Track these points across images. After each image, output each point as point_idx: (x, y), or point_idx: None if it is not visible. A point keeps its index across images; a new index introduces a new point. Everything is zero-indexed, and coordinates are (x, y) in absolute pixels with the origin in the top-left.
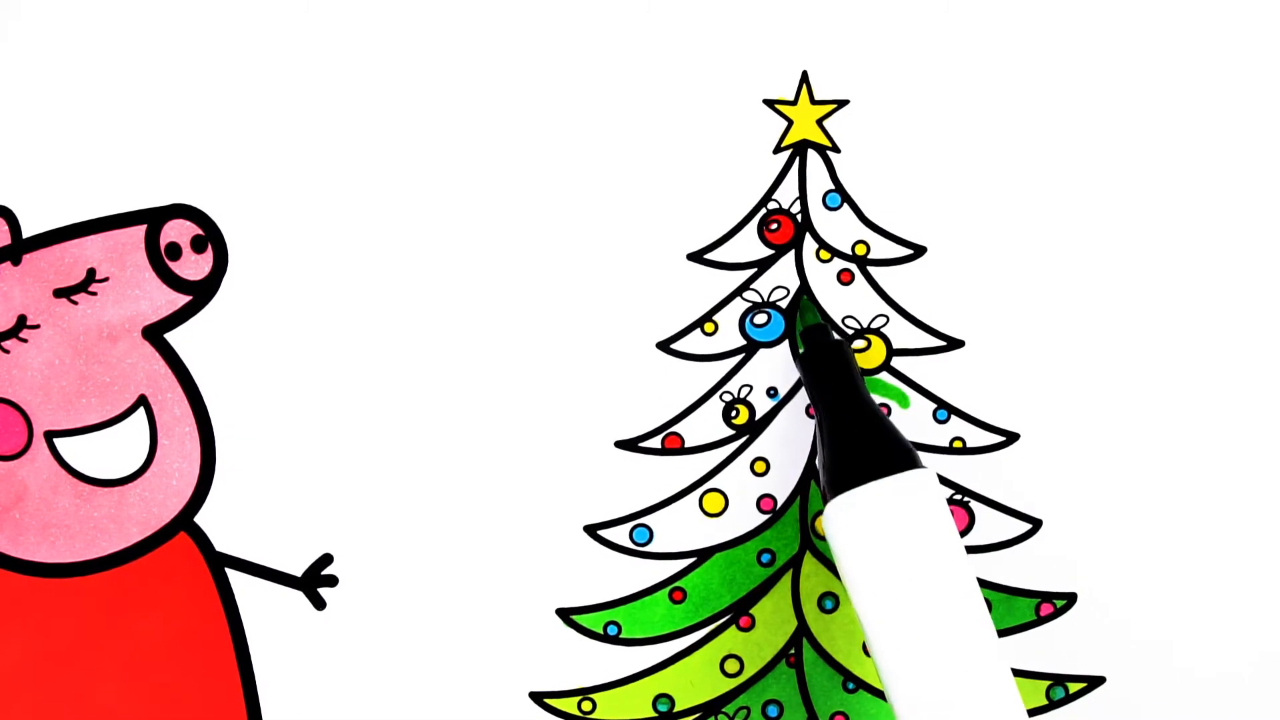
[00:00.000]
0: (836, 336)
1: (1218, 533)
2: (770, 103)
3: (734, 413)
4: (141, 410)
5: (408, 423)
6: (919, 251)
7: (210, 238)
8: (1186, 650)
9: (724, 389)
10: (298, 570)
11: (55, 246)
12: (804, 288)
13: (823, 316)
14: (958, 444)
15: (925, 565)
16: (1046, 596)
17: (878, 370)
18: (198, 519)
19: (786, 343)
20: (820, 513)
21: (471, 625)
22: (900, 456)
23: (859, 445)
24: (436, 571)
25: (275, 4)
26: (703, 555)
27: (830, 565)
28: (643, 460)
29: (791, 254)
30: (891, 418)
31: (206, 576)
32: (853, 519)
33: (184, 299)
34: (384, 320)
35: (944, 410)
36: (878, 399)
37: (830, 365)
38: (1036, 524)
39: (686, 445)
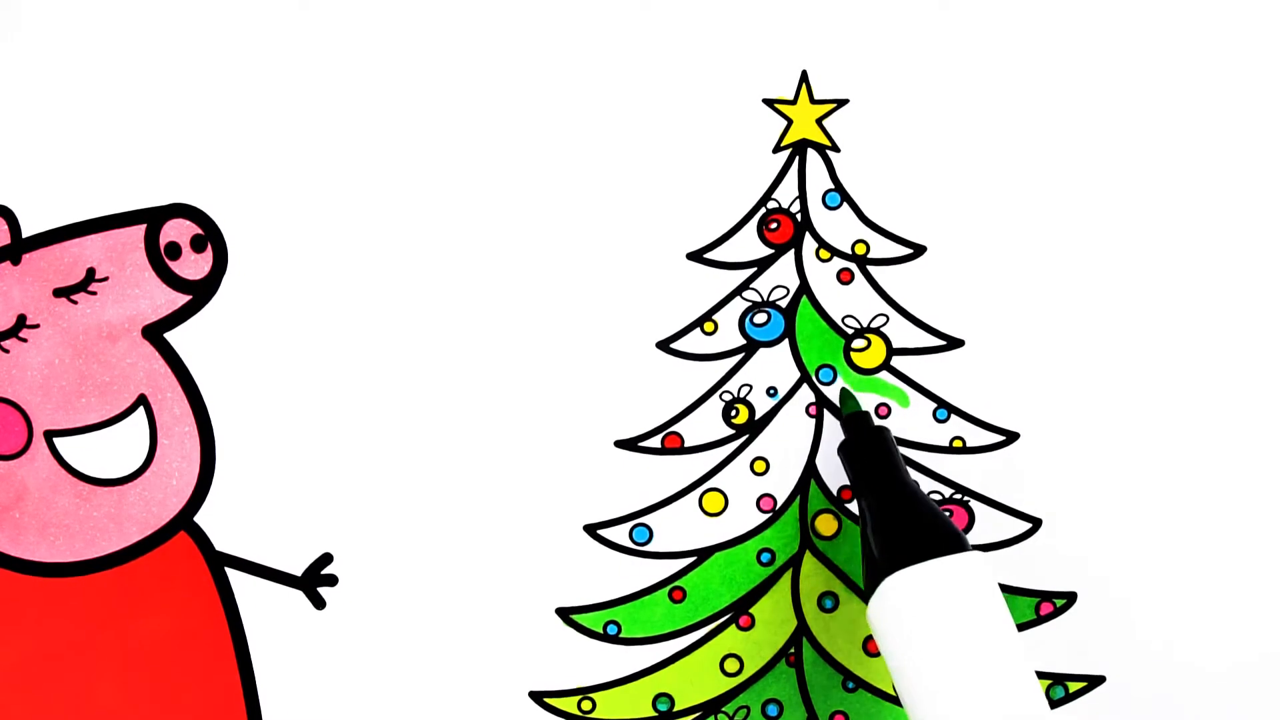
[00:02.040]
0: (877, 422)
1: (1218, 532)
2: (770, 102)
3: (734, 412)
4: (141, 410)
5: (407, 422)
6: (919, 251)
7: (210, 237)
8: (1186, 649)
9: (724, 388)
10: (298, 570)
11: (55, 246)
12: (804, 288)
13: (850, 386)
14: (958, 443)
15: (977, 647)
16: (1046, 596)
17: (878, 370)
18: (198, 519)
19: (786, 342)
20: (818, 514)
21: (471, 625)
22: (950, 540)
23: (907, 529)
24: (436, 571)
25: (274, 4)
26: (703, 555)
27: (831, 565)
28: (643, 460)
29: (791, 253)
30: (891, 417)
31: (206, 576)
32: (904, 600)
33: (184, 298)
34: (384, 320)
35: (944, 410)
36: (877, 398)
37: (873, 451)
38: (1036, 523)
39: (686, 445)
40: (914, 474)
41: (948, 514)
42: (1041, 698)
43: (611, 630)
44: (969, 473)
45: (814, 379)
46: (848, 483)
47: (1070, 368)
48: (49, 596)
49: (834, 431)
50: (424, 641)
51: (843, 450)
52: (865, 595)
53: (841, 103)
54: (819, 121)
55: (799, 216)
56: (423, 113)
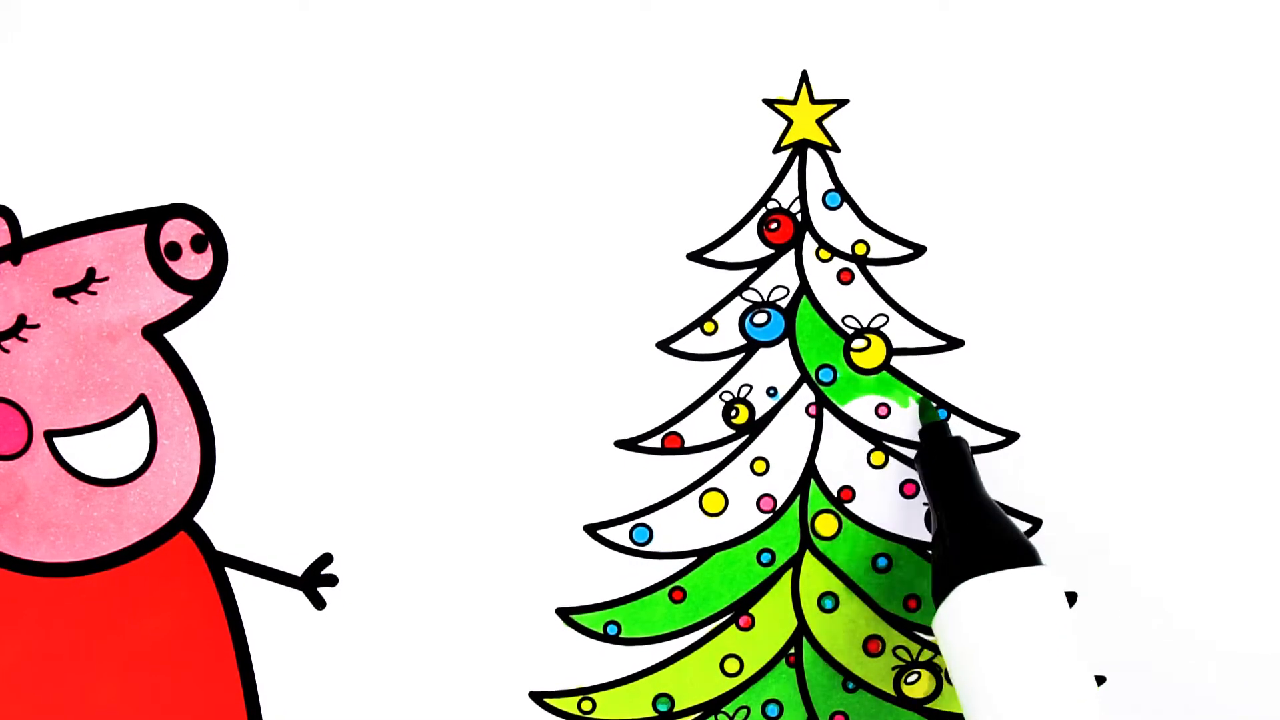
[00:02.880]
0: (953, 434)
1: (1218, 532)
2: (770, 102)
3: (734, 412)
4: (141, 410)
5: (407, 423)
6: (919, 251)
7: (210, 237)
8: (1187, 649)
9: (724, 388)
10: (298, 570)
11: (55, 246)
12: (804, 288)
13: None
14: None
15: (1042, 660)
16: None
17: (878, 369)
18: (198, 519)
19: (786, 342)
20: (818, 514)
21: (471, 625)
22: (1024, 552)
23: (983, 538)
24: (436, 571)
25: (273, 4)
26: (703, 555)
27: (831, 565)
28: (643, 460)
29: (791, 253)
30: (891, 418)
31: (206, 576)
32: (975, 608)
33: (184, 298)
34: (384, 320)
35: (944, 410)
36: (878, 398)
37: (950, 461)
38: (1036, 523)
39: (686, 445)
40: (912, 472)
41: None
42: (1098, 710)
43: (611, 630)
44: None
45: (814, 379)
46: (847, 483)
47: (1070, 368)
48: (49, 596)
49: (834, 431)
50: (424, 641)
51: (919, 459)
52: (936, 602)
53: (841, 103)
54: (819, 121)
55: (799, 216)
56: (423, 113)
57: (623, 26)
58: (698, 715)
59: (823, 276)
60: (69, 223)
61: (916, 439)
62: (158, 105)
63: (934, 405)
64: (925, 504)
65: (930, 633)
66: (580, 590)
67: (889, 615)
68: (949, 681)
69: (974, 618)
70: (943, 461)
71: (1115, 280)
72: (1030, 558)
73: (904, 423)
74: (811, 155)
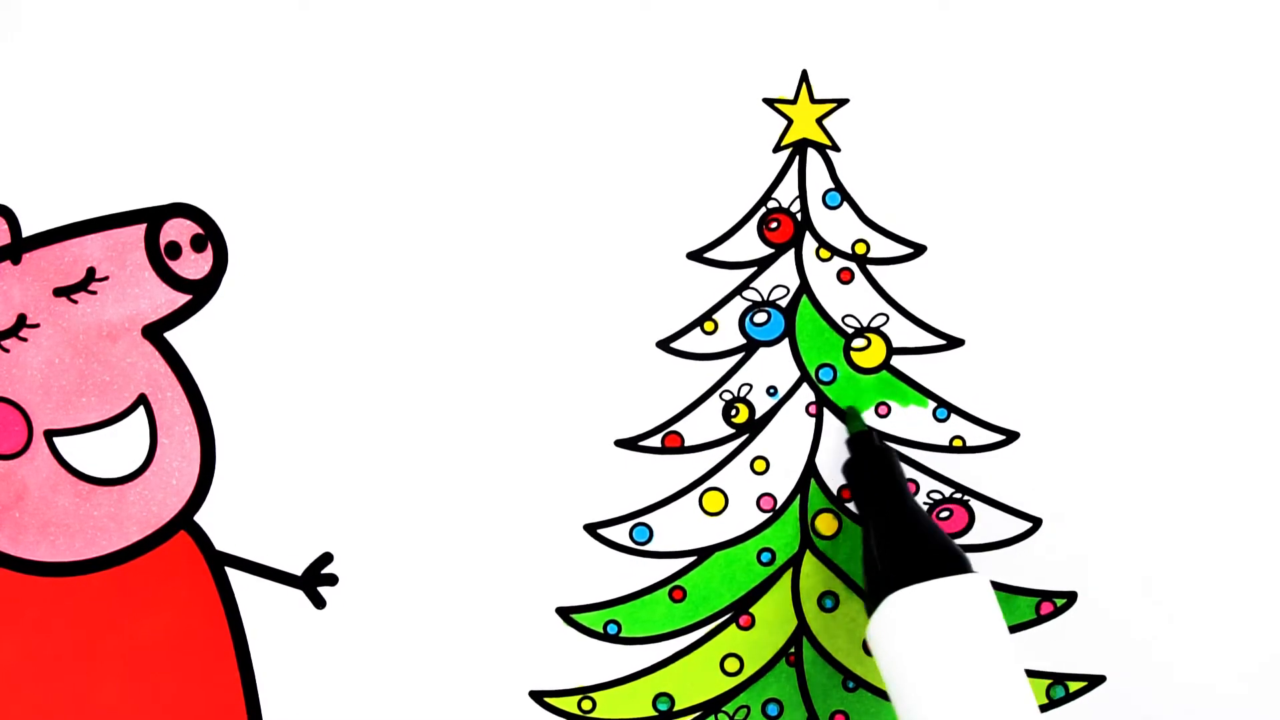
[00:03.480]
0: (880, 443)
1: (1218, 531)
2: (770, 101)
3: (734, 411)
4: (141, 409)
5: (407, 422)
6: (919, 250)
7: (210, 237)
8: (1186, 649)
9: (724, 388)
10: (298, 569)
11: (55, 245)
12: (804, 288)
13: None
14: (957, 443)
15: (975, 667)
16: (1046, 595)
17: (878, 369)
18: (198, 518)
19: (786, 342)
20: (818, 513)
21: (471, 625)
22: (952, 560)
23: (911, 548)
24: (437, 570)
25: (273, 4)
26: (703, 554)
27: (831, 565)
28: (643, 459)
29: (791, 253)
30: (891, 417)
31: (206, 576)
32: (905, 618)
33: (184, 298)
34: (384, 320)
35: (944, 409)
36: (880, 400)
37: (877, 471)
38: (1036, 523)
39: (686, 444)
40: (915, 474)
41: (951, 534)
42: (1037, 717)
43: (612, 630)
44: (969, 473)
45: (814, 378)
46: (848, 483)
47: (1070, 368)
48: (49, 596)
49: (834, 432)
50: (424, 641)
51: (847, 469)
52: (868, 612)
53: (841, 102)
54: (819, 121)
55: (799, 216)
56: (423, 113)
57: (623, 26)
58: (698, 715)
59: (823, 276)
60: (69, 222)
61: (911, 437)
62: (158, 105)
63: (860, 415)
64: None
65: None
66: (580, 590)
67: None
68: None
69: (905, 628)
70: (870, 471)
71: (1115, 280)
72: (959, 565)
73: (905, 422)
74: (811, 155)
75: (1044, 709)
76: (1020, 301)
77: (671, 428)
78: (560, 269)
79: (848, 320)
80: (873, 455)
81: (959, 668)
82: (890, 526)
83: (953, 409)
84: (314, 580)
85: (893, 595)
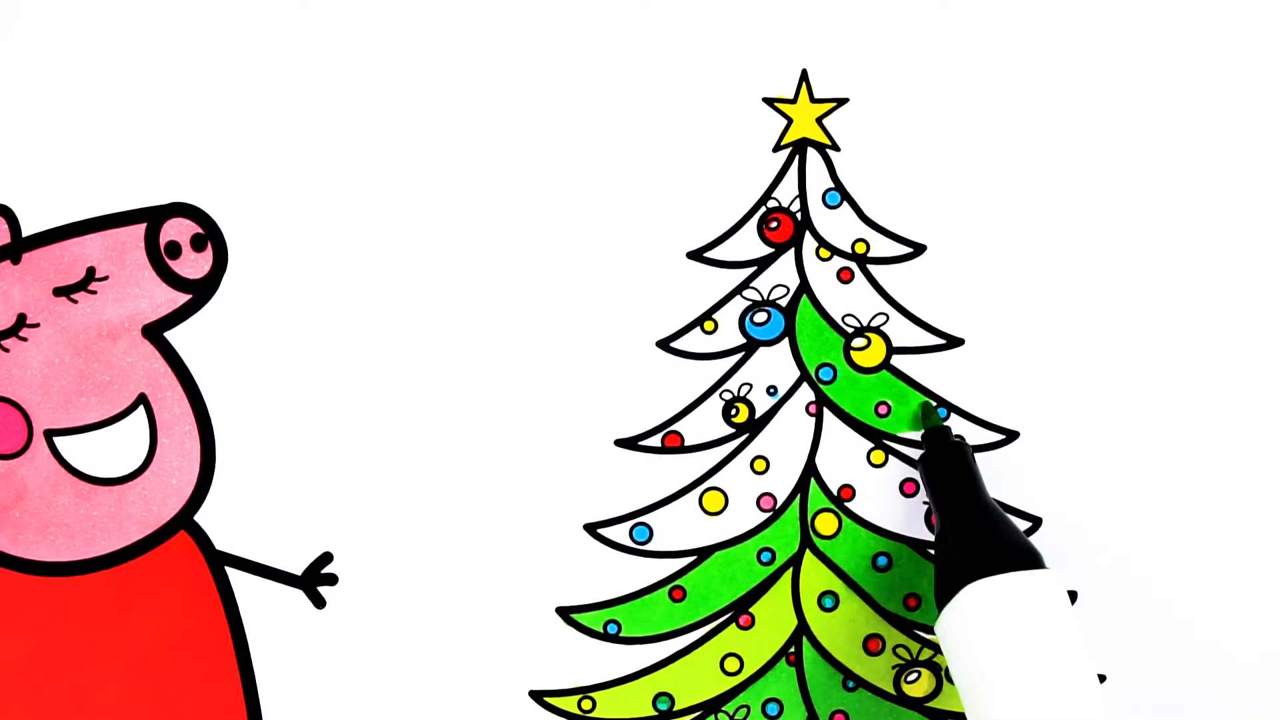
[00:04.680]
0: (956, 437)
1: (1218, 531)
2: (770, 101)
3: (734, 411)
4: (141, 409)
5: (407, 422)
6: (918, 250)
7: (210, 236)
8: (1186, 647)
9: (724, 387)
10: (298, 569)
11: (55, 245)
12: (804, 287)
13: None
14: (957, 439)
15: (1045, 661)
16: None
17: (878, 368)
18: (198, 518)
19: (786, 341)
20: (818, 513)
21: (471, 625)
22: (1026, 556)
23: (987, 542)
24: (437, 570)
25: (273, 4)
26: (703, 554)
27: (831, 564)
28: (643, 459)
29: (791, 252)
30: (890, 417)
31: (206, 575)
32: (979, 609)
33: (184, 297)
34: (384, 319)
35: (944, 409)
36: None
37: (954, 466)
38: (1036, 522)
39: (686, 444)
40: (912, 471)
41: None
42: (1103, 711)
43: (611, 629)
44: None
45: (814, 378)
46: (848, 482)
47: (1070, 368)
48: (49, 596)
49: (835, 431)
50: (424, 641)
51: (923, 464)
52: (939, 604)
53: (841, 102)
54: (819, 120)
55: (799, 215)
56: (423, 113)
57: (623, 26)
58: (698, 714)
59: (823, 275)
60: (69, 222)
61: (910, 436)
62: (158, 105)
63: (937, 409)
64: (925, 503)
65: (930, 631)
66: (580, 589)
67: (889, 614)
68: (950, 680)
69: (978, 620)
70: (946, 465)
71: (1115, 280)
72: (1034, 561)
73: (904, 422)
74: (811, 154)
75: None
76: (1020, 301)
77: (671, 427)
78: (560, 269)
79: (848, 320)
80: (949, 450)
81: (1029, 659)
82: (966, 520)
83: (953, 409)
84: (314, 580)
85: (968, 586)
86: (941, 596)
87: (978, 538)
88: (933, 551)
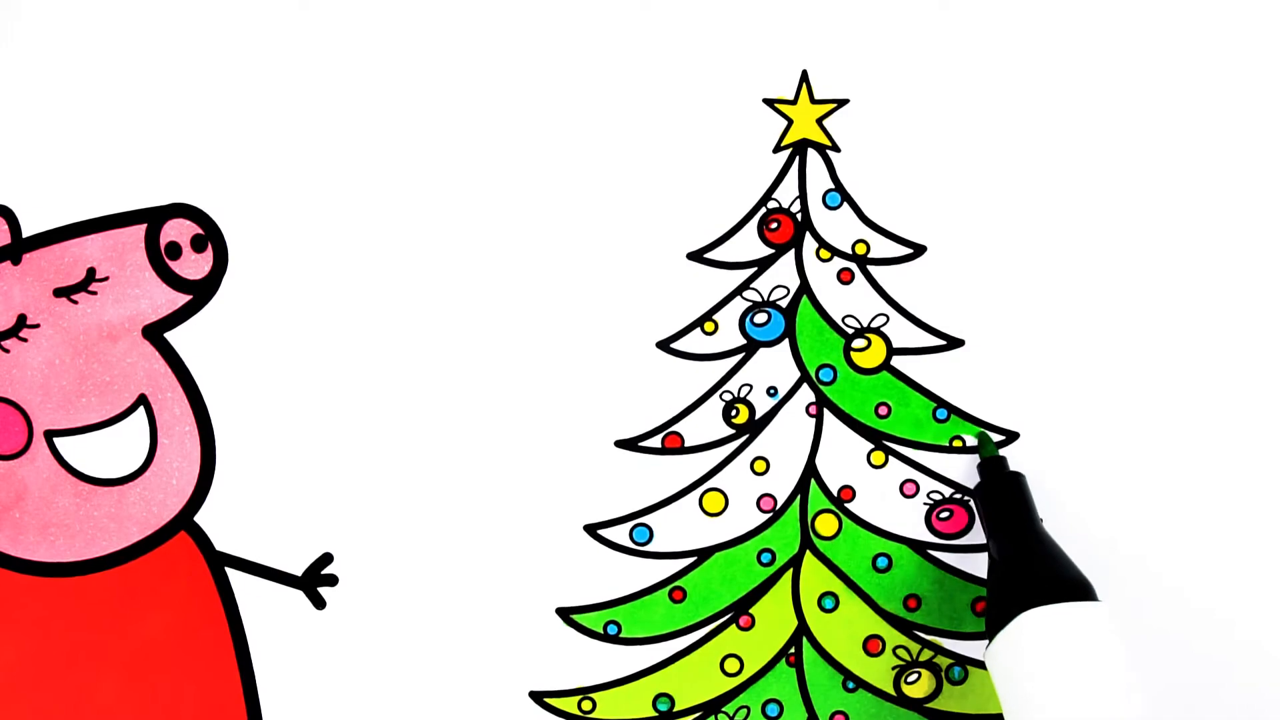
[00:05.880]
0: (1010, 470)
1: (1219, 531)
2: (770, 102)
3: (734, 412)
4: (141, 409)
5: (408, 423)
6: (919, 251)
7: (210, 237)
8: (1188, 648)
9: (724, 388)
10: (298, 569)
11: (55, 246)
12: (804, 288)
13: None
14: (958, 444)
15: (1094, 693)
16: None
17: (878, 369)
18: (198, 518)
19: (786, 342)
20: (818, 514)
21: (471, 625)
22: (1081, 587)
23: (1041, 571)
24: (436, 571)
25: (274, 5)
26: (703, 555)
27: (831, 565)
28: (643, 460)
29: (791, 253)
30: (891, 418)
31: (206, 576)
32: (1033, 638)
33: (184, 298)
34: (384, 320)
35: (944, 409)
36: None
37: (1009, 496)
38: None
39: (686, 445)
40: (912, 472)
41: (951, 534)
42: None
43: (611, 630)
44: (969, 473)
45: (814, 379)
46: (848, 483)
47: (1070, 368)
48: (49, 596)
49: (835, 432)
50: (424, 641)
51: (979, 492)
52: (991, 631)
53: (841, 103)
54: (819, 121)
55: (799, 216)
56: (423, 113)
57: (623, 26)
58: (698, 715)
59: (823, 276)
60: (69, 223)
61: (911, 437)
62: (158, 105)
63: (993, 440)
64: (984, 539)
65: (929, 631)
66: (580, 590)
67: (889, 615)
68: (950, 680)
69: (1032, 647)
70: (1003, 496)
71: (1115, 280)
72: (1087, 593)
73: (904, 423)
74: (811, 155)
75: None
76: (1020, 301)
77: (672, 428)
78: (561, 269)
79: (848, 320)
80: (1005, 480)
81: (1078, 690)
82: (1021, 549)
83: (953, 409)
84: (314, 580)
85: (1023, 614)
86: (995, 622)
87: (1033, 568)
88: (984, 574)
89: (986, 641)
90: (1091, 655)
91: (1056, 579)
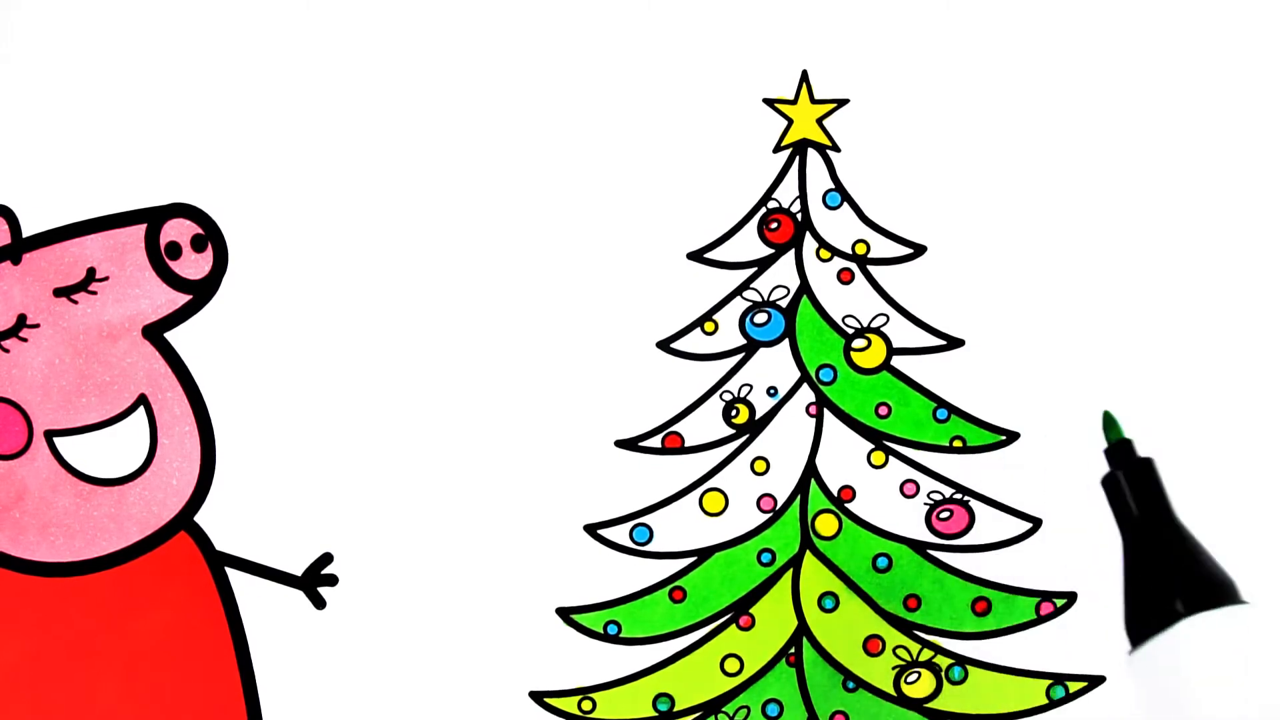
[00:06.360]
0: (1140, 455)
1: (1219, 531)
2: (770, 102)
3: (734, 412)
4: (141, 409)
5: (407, 422)
6: (919, 251)
7: (210, 237)
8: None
9: (724, 388)
10: (298, 569)
11: (55, 246)
12: (804, 288)
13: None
14: (958, 443)
15: (1260, 700)
16: (1046, 595)
17: (878, 369)
18: (198, 518)
19: (787, 342)
20: (818, 514)
21: (471, 625)
22: (1232, 590)
23: (1197, 573)
24: (436, 571)
25: (275, 5)
26: (703, 555)
27: (831, 565)
28: (643, 460)
29: (791, 253)
30: (891, 417)
31: (206, 576)
32: (1201, 644)
33: (184, 298)
34: (384, 320)
35: (944, 409)
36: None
37: (1143, 485)
38: (1036, 523)
39: (687, 444)
40: (912, 472)
41: (951, 535)
42: None
43: (611, 630)
44: (969, 473)
45: (814, 379)
46: (848, 483)
47: (1070, 368)
48: (49, 596)
49: (835, 432)
50: (424, 641)
51: (1107, 483)
52: (1136, 634)
53: (841, 103)
54: (819, 121)
55: (799, 216)
56: (423, 113)
57: (624, 26)
58: (698, 715)
59: (823, 276)
60: (69, 223)
61: (911, 437)
62: (157, 105)
63: (1117, 422)
64: (1120, 531)
65: (929, 631)
66: (580, 590)
67: (889, 615)
68: (950, 680)
69: (1198, 653)
70: (1139, 484)
71: (1115, 280)
72: (1236, 596)
73: (905, 423)
74: (811, 155)
75: (1044, 709)
76: (1020, 301)
77: (672, 428)
78: (561, 269)
79: (848, 320)
80: (1137, 466)
81: (1246, 698)
82: (1169, 548)
83: (953, 409)
84: (314, 580)
85: (1188, 619)
86: (1145, 626)
87: (1188, 568)
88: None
89: (1130, 647)
90: (1253, 661)
91: (1213, 582)
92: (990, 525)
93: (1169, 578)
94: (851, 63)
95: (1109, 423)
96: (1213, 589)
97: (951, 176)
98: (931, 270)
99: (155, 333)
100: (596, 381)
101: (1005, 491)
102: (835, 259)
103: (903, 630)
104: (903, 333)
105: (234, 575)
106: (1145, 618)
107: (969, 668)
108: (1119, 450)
